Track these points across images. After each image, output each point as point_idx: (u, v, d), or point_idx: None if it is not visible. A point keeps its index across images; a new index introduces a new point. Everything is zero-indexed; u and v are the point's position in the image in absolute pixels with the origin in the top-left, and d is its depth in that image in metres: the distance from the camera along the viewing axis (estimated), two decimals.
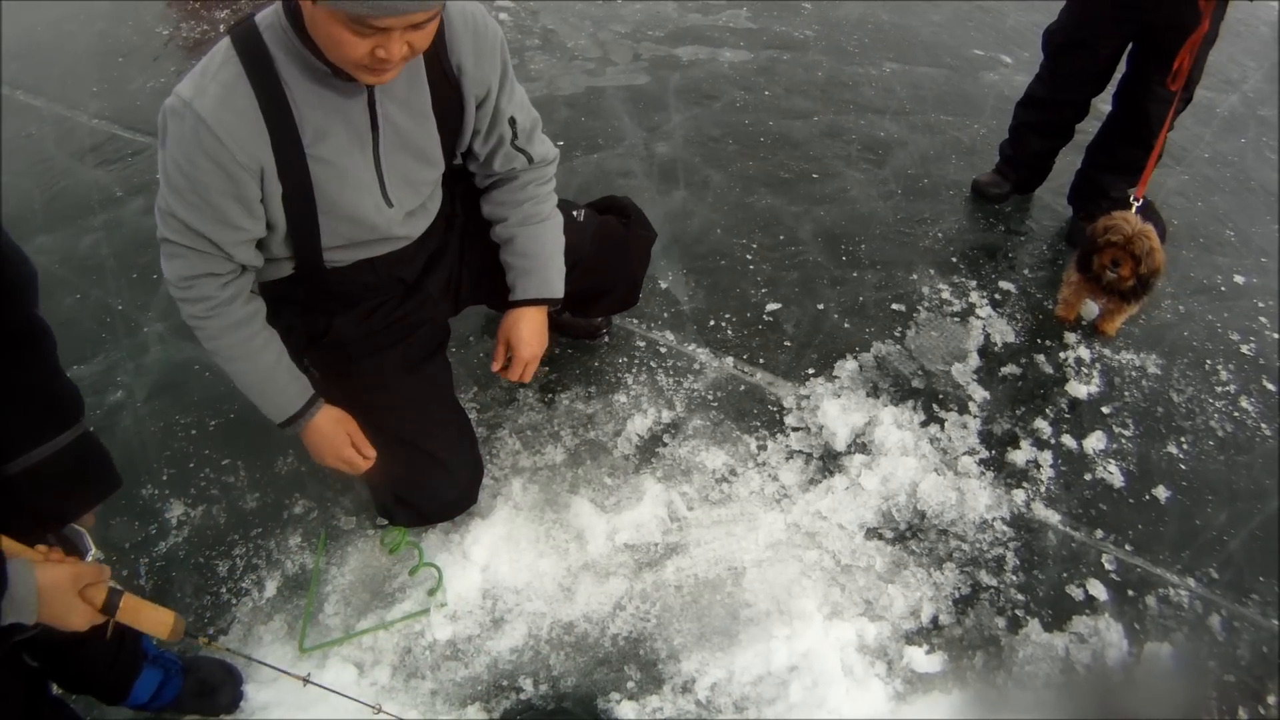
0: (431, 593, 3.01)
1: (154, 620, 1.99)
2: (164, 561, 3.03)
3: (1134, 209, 3.77)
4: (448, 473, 2.98)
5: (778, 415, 3.70)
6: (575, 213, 3.09)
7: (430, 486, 2.97)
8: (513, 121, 2.62)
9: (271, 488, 3.26)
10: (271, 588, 2.98)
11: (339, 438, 2.72)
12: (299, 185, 2.26)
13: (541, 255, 2.82)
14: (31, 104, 5.27)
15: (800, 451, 3.55)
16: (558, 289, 2.86)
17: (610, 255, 3.23)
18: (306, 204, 2.31)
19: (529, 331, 2.86)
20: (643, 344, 3.97)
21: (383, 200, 2.43)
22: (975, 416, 3.70)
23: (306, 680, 2.39)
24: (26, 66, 5.75)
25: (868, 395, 3.75)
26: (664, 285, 4.25)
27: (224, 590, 2.96)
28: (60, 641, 1.95)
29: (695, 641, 2.97)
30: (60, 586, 1.72)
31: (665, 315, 4.11)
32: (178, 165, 2.16)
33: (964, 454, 3.54)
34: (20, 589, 1.62)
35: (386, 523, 3.17)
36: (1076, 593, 3.18)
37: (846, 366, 3.87)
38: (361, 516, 3.24)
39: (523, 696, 2.82)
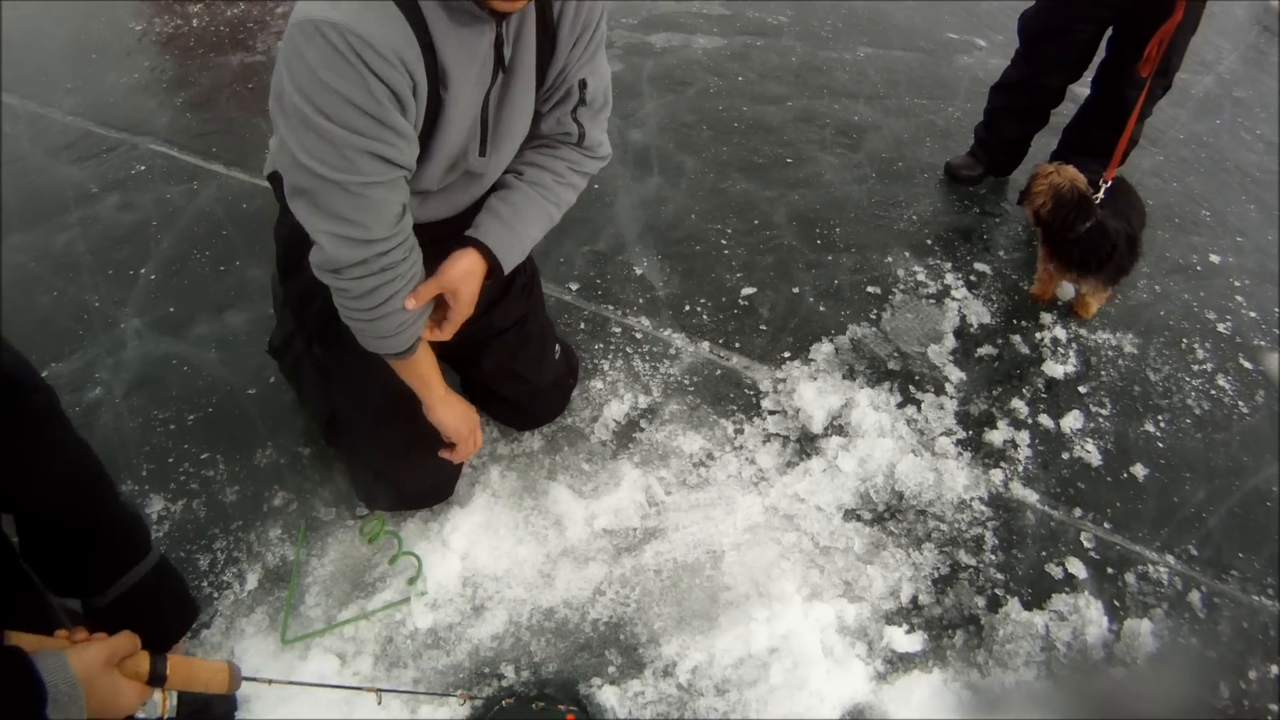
0: (411, 581, 2.99)
1: (210, 676, 1.82)
2: None
3: (1101, 191, 3.79)
4: (432, 459, 2.95)
5: (754, 399, 3.69)
6: (556, 347, 3.19)
7: (415, 465, 2.93)
8: (583, 85, 2.45)
9: (251, 481, 3.22)
10: (253, 580, 2.94)
11: (471, 423, 2.79)
12: (431, 114, 2.13)
13: (525, 221, 2.52)
14: (5, 102, 5.20)
15: (777, 434, 3.53)
16: (510, 263, 2.51)
17: (555, 400, 3.40)
18: (427, 137, 2.17)
19: (474, 284, 2.46)
20: (618, 330, 3.95)
21: (479, 150, 2.33)
22: (952, 397, 3.70)
23: (380, 694, 2.35)
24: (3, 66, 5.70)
25: (844, 378, 3.74)
26: (639, 271, 4.24)
27: (205, 584, 2.92)
28: None
29: (675, 625, 2.96)
30: (98, 668, 1.54)
31: (641, 301, 4.09)
32: (334, 81, 1.88)
33: (941, 435, 3.53)
34: (62, 686, 1.44)
35: (366, 513, 3.15)
36: (1056, 571, 3.18)
37: (822, 349, 3.86)
38: (341, 508, 3.20)
39: (505, 683, 2.80)
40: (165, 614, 1.99)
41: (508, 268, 2.50)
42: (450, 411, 2.76)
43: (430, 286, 2.35)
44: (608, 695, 2.78)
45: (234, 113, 5.24)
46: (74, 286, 3.93)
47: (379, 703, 2.38)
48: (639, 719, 2.75)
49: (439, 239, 2.43)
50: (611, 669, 2.85)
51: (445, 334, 2.48)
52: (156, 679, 1.70)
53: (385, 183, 2.04)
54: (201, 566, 2.97)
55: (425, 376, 2.62)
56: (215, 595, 2.89)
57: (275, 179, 2.46)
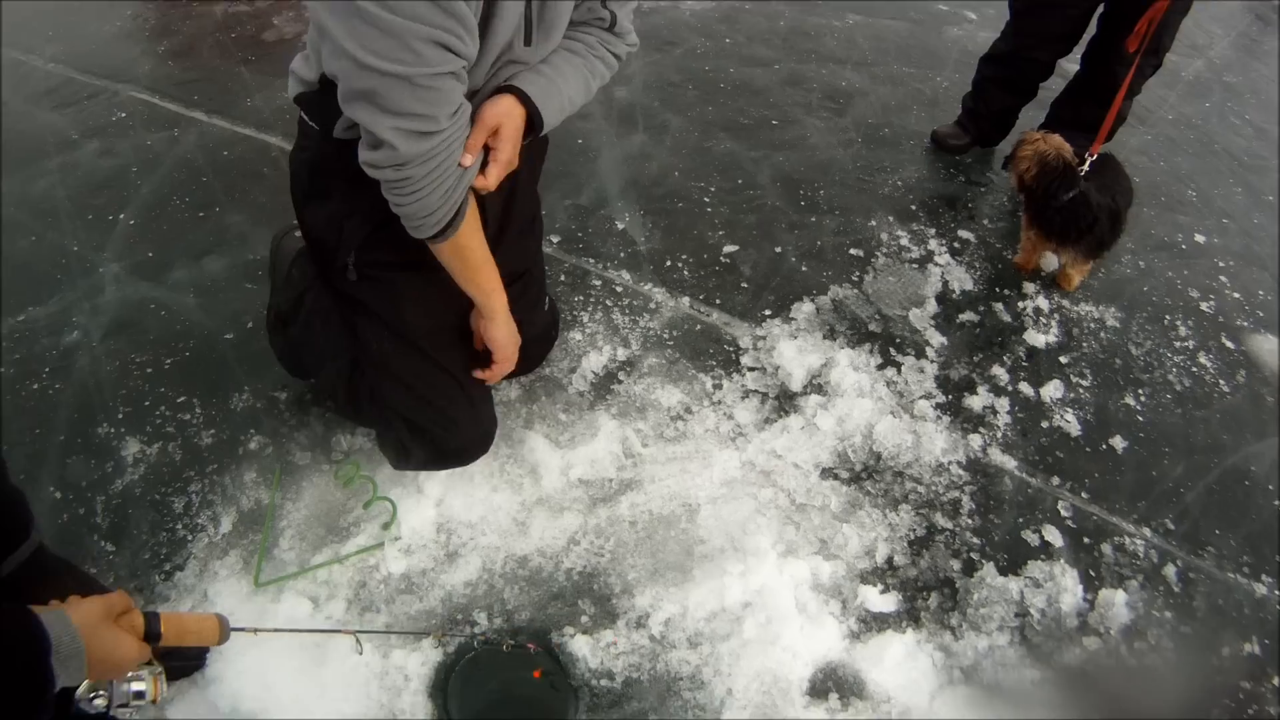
0: (385, 526, 2.95)
1: (200, 631, 1.81)
2: (120, 499, 2.97)
3: (1086, 164, 3.77)
4: (473, 408, 2.84)
5: (734, 355, 3.64)
6: (546, 299, 3.14)
7: (453, 419, 2.80)
8: None
9: (227, 424, 3.19)
10: (227, 523, 2.91)
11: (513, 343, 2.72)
12: (486, 4, 2.03)
13: (563, 77, 2.37)
14: None
15: (756, 391, 3.49)
16: (549, 115, 2.36)
17: (539, 351, 3.29)
18: (483, 27, 2.06)
19: (514, 124, 2.30)
20: (599, 283, 3.90)
21: (524, 39, 2.21)
22: (932, 361, 3.66)
23: (357, 635, 2.31)
24: None
25: (824, 337, 3.70)
26: (620, 226, 4.19)
27: (180, 527, 2.90)
28: None
29: (649, 577, 2.92)
30: (97, 622, 1.54)
31: (622, 255, 4.05)
32: None
33: (921, 398, 3.50)
34: (65, 638, 1.44)
35: (342, 457, 3.10)
36: (1032, 538, 3.16)
37: (803, 309, 3.81)
38: (316, 452, 3.16)
39: (477, 629, 2.77)
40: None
41: (547, 119, 2.35)
42: (510, 326, 2.69)
43: (477, 133, 2.21)
44: (580, 645, 2.74)
45: (216, 61, 5.13)
46: (53, 232, 3.90)
47: (358, 646, 2.32)
48: (610, 669, 2.72)
49: None
50: (584, 619, 2.82)
51: (490, 182, 2.31)
52: (152, 635, 1.68)
53: (451, 73, 1.96)
54: (176, 509, 2.94)
55: (482, 274, 2.50)
56: (189, 538, 2.87)
57: (304, 99, 2.33)
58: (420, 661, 2.68)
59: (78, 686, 1.53)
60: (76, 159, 4.33)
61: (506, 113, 2.26)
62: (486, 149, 2.27)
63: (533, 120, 2.32)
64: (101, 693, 1.62)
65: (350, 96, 1.98)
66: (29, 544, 1.94)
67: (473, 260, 2.43)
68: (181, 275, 3.73)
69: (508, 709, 2.74)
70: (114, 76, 4.96)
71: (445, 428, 2.74)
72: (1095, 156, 3.79)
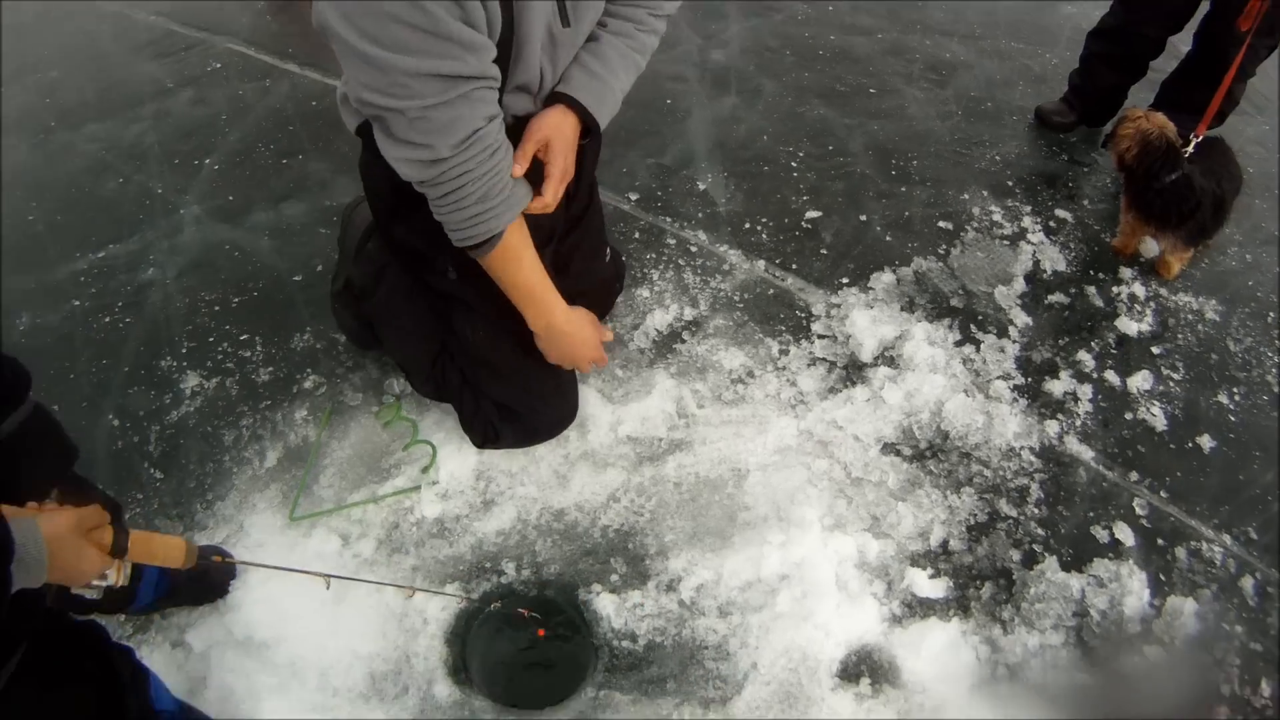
0: (425, 470, 2.94)
1: (166, 551, 1.83)
2: (174, 430, 3.08)
3: (1191, 145, 3.53)
4: (561, 393, 2.91)
5: (805, 321, 3.51)
6: (607, 250, 3.12)
7: (545, 402, 2.86)
8: None
9: (285, 363, 3.27)
10: (272, 458, 2.98)
11: (596, 333, 2.76)
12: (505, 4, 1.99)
13: (612, 70, 2.37)
14: (92, 2, 5.29)
15: (823, 359, 3.36)
16: (604, 117, 2.38)
17: (601, 303, 3.24)
18: (507, 28, 2.04)
19: (567, 136, 2.32)
20: (673, 242, 3.80)
21: (560, 21, 2.16)
22: (1015, 341, 3.47)
23: (329, 579, 2.27)
24: None
25: (902, 309, 3.54)
26: (702, 186, 4.08)
27: (227, 459, 2.98)
28: None
29: (687, 540, 2.82)
30: (65, 535, 1.57)
31: (700, 215, 3.94)
32: (369, 11, 1.79)
33: (998, 378, 3.32)
34: (30, 548, 1.46)
35: (393, 400, 3.13)
36: (1102, 534, 2.97)
37: (883, 279, 3.65)
38: (368, 394, 3.18)
39: (504, 580, 2.75)
40: (38, 466, 2.00)
41: (602, 119, 2.36)
42: (576, 329, 2.68)
43: (525, 145, 2.23)
44: (605, 603, 2.67)
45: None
46: (140, 174, 4.07)
47: (327, 587, 2.24)
48: (633, 631, 2.64)
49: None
50: (614, 577, 2.75)
51: (548, 199, 2.33)
52: (119, 550, 1.70)
53: (446, 102, 1.92)
54: (226, 442, 3.04)
55: (531, 285, 2.49)
56: (235, 470, 2.96)
57: (365, 131, 2.30)
58: (440, 606, 2.65)
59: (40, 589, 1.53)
60: (169, 106, 4.48)
61: (556, 125, 2.27)
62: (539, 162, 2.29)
63: (588, 125, 2.33)
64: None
65: (370, 119, 2.04)
66: (25, 407, 1.97)
67: (519, 280, 2.44)
68: (260, 218, 3.81)
69: (526, 664, 2.70)
70: (213, 29, 5.09)
71: (535, 412, 2.85)
72: (1201, 139, 3.55)
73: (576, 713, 2.55)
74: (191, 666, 2.52)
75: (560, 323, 2.59)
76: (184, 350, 3.28)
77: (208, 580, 2.59)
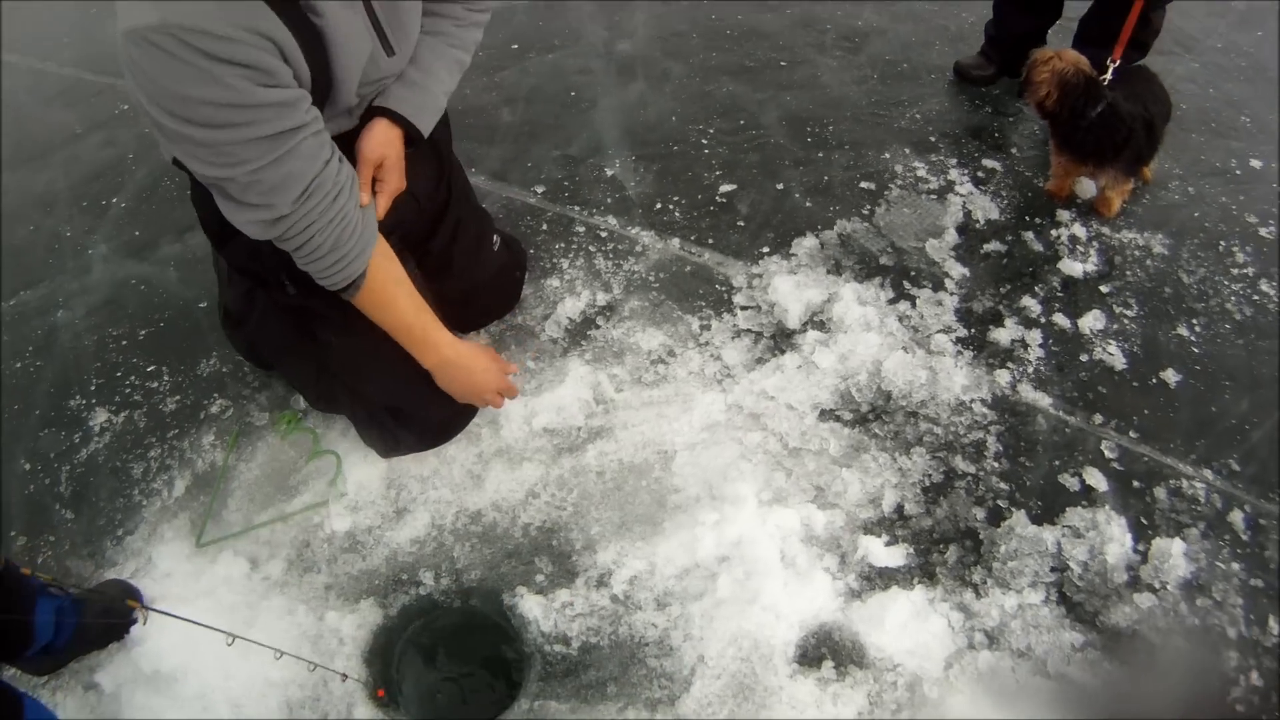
0: (331, 483, 2.78)
1: None
2: (84, 468, 2.97)
3: (1109, 73, 3.36)
4: None
5: (725, 295, 3.28)
6: (495, 237, 3.01)
7: (434, 393, 2.62)
8: None
9: (192, 389, 3.16)
10: (180, 487, 2.86)
11: (497, 364, 2.63)
12: (314, 48, 1.93)
13: (433, 76, 2.36)
14: (7, 60, 5.15)
15: (748, 330, 3.12)
16: (427, 126, 2.38)
17: (502, 291, 3.17)
18: (323, 66, 2.00)
19: (395, 149, 2.32)
20: (582, 229, 3.57)
21: (385, 52, 2.16)
22: (952, 294, 3.24)
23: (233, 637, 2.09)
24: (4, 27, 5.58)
25: (828, 272, 3.29)
26: (610, 172, 3.85)
27: (136, 492, 2.87)
28: None
29: (615, 531, 2.58)
30: None
31: (609, 200, 3.71)
32: (178, 98, 1.75)
33: (938, 332, 3.07)
34: None
35: (299, 415, 2.97)
36: (1071, 482, 2.73)
37: (805, 244, 3.41)
38: (275, 412, 3.03)
39: (422, 590, 2.56)
40: None
41: (425, 128, 2.36)
42: (463, 371, 2.56)
43: (364, 170, 2.24)
44: (532, 605, 2.45)
45: None
46: (50, 219, 3.98)
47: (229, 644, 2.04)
48: (565, 633, 2.40)
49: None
50: (540, 577, 2.54)
51: (379, 211, 2.30)
52: None
53: (275, 161, 1.89)
54: (135, 475, 2.92)
55: (409, 324, 2.41)
56: (144, 502, 2.84)
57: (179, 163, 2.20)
58: (356, 624, 2.47)
59: None
60: (78, 152, 4.38)
61: (386, 142, 2.28)
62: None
63: (410, 136, 2.33)
64: None
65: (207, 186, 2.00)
66: None
67: (396, 321, 2.38)
68: (166, 251, 3.70)
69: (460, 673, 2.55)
70: (120, 73, 4.79)
71: (426, 405, 2.64)
72: (1117, 64, 3.37)
73: None
74: (104, 708, 2.38)
75: (451, 357, 2.48)
76: (92, 387, 3.19)
77: (114, 612, 2.45)
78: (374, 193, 2.30)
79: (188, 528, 2.74)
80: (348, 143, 2.22)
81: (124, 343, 3.34)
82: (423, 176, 2.56)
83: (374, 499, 2.74)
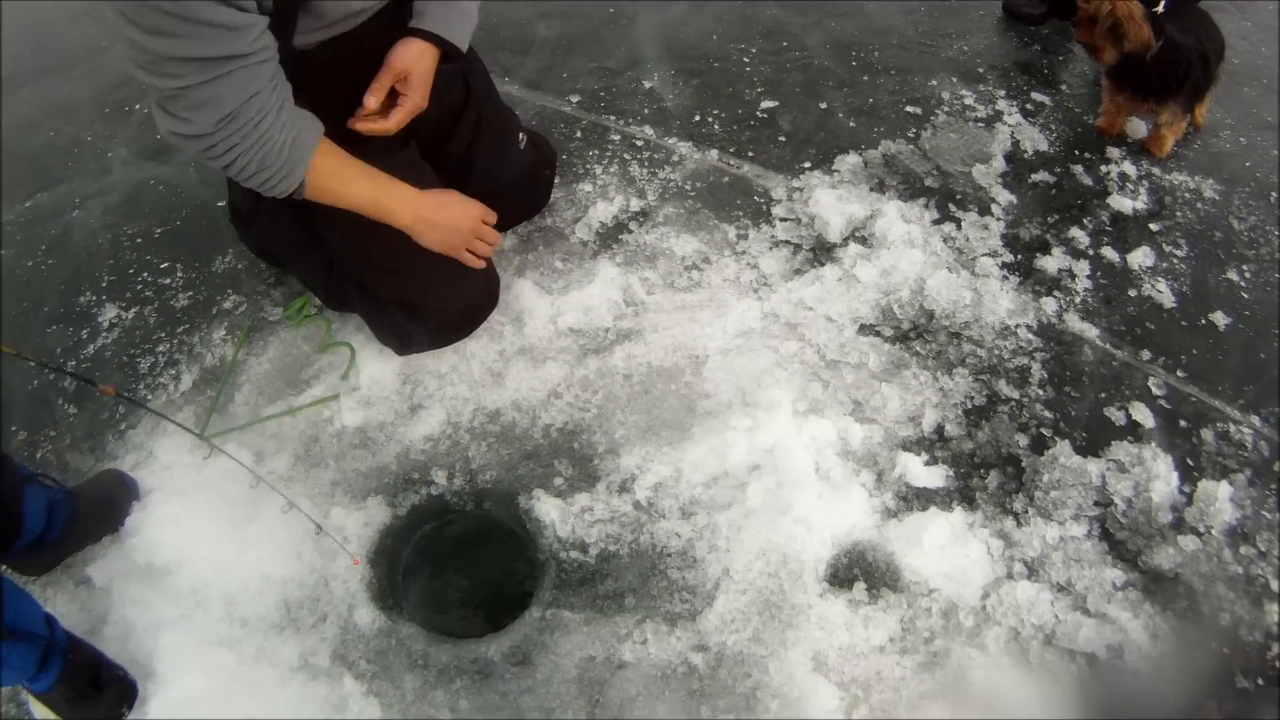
0: (344, 376, 2.70)
1: None
2: (89, 363, 2.94)
3: (1161, 4, 3.20)
4: (454, 264, 2.57)
5: (764, 206, 3.17)
6: (521, 136, 2.90)
7: (445, 283, 2.57)
8: None
9: (205, 286, 3.11)
10: (188, 381, 2.82)
11: (474, 210, 2.53)
12: None
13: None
14: None
15: (787, 241, 3.02)
16: (464, 40, 2.39)
17: (530, 191, 3.06)
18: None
19: (426, 66, 2.33)
20: (617, 138, 3.46)
21: None
22: (999, 219, 3.12)
23: (205, 440, 2.21)
24: None
25: (871, 190, 3.19)
26: (648, 85, 3.73)
27: (141, 387, 2.83)
28: None
29: (640, 435, 2.48)
30: None
31: (646, 111, 3.60)
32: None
33: (983, 255, 2.97)
34: None
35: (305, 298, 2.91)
36: (1117, 416, 2.64)
37: (848, 160, 3.30)
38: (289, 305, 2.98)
39: (434, 490, 2.49)
40: None
41: (463, 43, 2.37)
42: (436, 223, 2.45)
43: (383, 77, 2.25)
44: (549, 509, 2.35)
45: None
46: (70, 126, 3.92)
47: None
48: (583, 540, 2.30)
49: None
50: (559, 480, 2.44)
51: (391, 125, 2.31)
52: None
53: (204, 81, 1.88)
54: (141, 369, 2.88)
55: (369, 197, 2.33)
56: (149, 397, 2.80)
57: None
58: (362, 523, 2.39)
59: None
60: (102, 63, 4.29)
61: (417, 57, 2.29)
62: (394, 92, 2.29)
63: (448, 53, 2.34)
64: None
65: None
66: None
67: (354, 200, 2.31)
68: (187, 153, 3.57)
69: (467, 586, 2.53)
70: None
71: (439, 297, 2.57)
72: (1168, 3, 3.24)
73: (520, 637, 2.23)
74: (94, 603, 2.33)
75: (421, 210, 2.39)
76: (104, 284, 3.15)
77: (108, 503, 2.42)
78: (394, 105, 2.31)
79: (192, 422, 2.66)
80: (350, 43, 2.22)
81: (139, 241, 3.30)
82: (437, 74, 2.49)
83: (387, 394, 2.65)
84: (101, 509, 2.39)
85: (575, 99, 3.67)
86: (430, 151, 2.60)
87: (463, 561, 2.56)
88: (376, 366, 2.67)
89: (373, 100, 2.24)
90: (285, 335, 2.88)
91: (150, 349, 2.93)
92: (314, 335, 2.84)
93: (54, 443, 2.72)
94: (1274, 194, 3.40)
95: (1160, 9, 3.19)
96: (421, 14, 2.31)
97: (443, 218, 2.42)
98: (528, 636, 2.22)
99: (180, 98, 1.89)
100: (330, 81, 2.24)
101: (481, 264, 2.56)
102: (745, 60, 3.89)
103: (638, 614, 2.22)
